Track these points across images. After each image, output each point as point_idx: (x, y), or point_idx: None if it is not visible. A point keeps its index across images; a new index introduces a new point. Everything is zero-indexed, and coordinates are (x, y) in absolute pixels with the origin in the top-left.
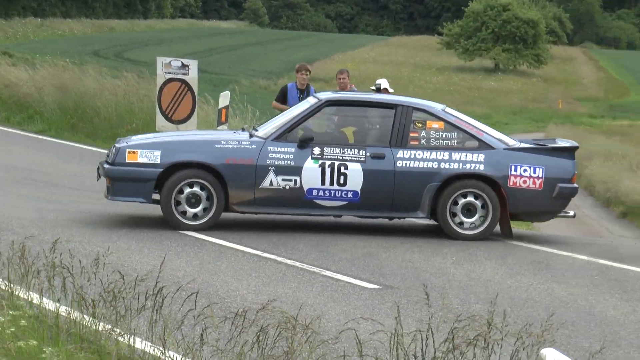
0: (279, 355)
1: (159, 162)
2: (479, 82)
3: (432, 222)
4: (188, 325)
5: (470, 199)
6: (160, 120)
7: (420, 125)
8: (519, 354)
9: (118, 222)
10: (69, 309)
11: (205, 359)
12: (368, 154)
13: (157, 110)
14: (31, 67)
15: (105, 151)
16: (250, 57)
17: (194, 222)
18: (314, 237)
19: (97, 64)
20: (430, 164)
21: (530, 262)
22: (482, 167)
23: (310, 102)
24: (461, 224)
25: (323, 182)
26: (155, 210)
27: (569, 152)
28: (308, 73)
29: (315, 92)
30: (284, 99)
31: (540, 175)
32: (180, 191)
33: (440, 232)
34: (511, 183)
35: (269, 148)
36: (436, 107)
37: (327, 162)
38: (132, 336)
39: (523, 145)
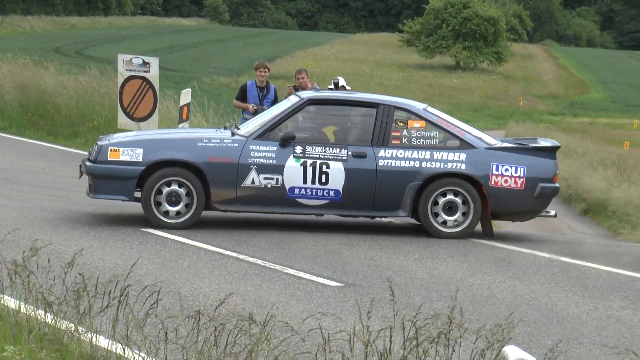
0: (238, 352)
1: (141, 160)
2: (439, 79)
3: (413, 221)
4: (151, 324)
5: (451, 197)
6: (121, 118)
7: (402, 124)
8: (482, 351)
9: (80, 220)
10: (31, 307)
11: (167, 357)
12: (350, 153)
13: (119, 107)
14: None
15: (66, 149)
16: (211, 54)
17: (174, 220)
18: (276, 234)
19: (58, 61)
20: (411, 163)
21: (491, 260)
22: (463, 166)
23: (292, 100)
24: (444, 223)
25: (305, 181)
26: (118, 207)
27: (550, 152)
28: (267, 70)
29: (275, 90)
30: (244, 96)
31: (522, 175)
32: (160, 190)
33: (401, 229)
34: (492, 182)
35: (250, 147)
36: (418, 106)
37: (309, 161)
38: (95, 334)
39: (504, 144)
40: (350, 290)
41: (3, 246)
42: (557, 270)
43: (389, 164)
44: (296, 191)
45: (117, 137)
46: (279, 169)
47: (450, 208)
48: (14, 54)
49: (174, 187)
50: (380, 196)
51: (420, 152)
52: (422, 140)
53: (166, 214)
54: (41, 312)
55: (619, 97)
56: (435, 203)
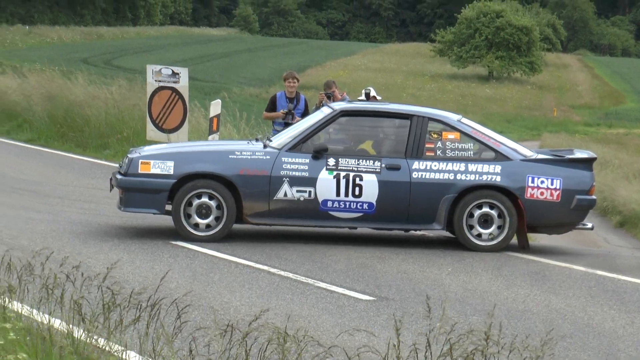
0: None
1: (172, 172)
2: (472, 89)
3: (447, 234)
4: (181, 338)
5: (486, 209)
6: (150, 129)
7: (436, 135)
8: None
9: (109, 233)
10: (62, 322)
11: None
12: (383, 165)
13: (148, 119)
14: (20, 75)
15: (95, 160)
16: (240, 64)
17: (204, 233)
18: (307, 247)
19: (86, 71)
20: (446, 175)
21: (526, 273)
22: (498, 178)
23: (324, 112)
24: (479, 235)
25: (338, 194)
26: (147, 219)
27: (586, 163)
28: (296, 81)
29: (306, 101)
30: (273, 108)
31: (558, 187)
32: (190, 202)
33: (434, 242)
34: (528, 195)
35: (283, 159)
36: (452, 117)
37: (342, 173)
38: (125, 350)
39: (540, 156)
40: (383, 305)
41: (35, 261)
42: (593, 284)
43: (423, 176)
44: (329, 204)
45: (148, 149)
46: (311, 181)
47: (485, 221)
48: (42, 65)
49: (204, 199)
50: (415, 209)
51: (454, 164)
52: (456, 152)
53: (196, 226)
54: (72, 327)
55: None
56: (471, 215)
